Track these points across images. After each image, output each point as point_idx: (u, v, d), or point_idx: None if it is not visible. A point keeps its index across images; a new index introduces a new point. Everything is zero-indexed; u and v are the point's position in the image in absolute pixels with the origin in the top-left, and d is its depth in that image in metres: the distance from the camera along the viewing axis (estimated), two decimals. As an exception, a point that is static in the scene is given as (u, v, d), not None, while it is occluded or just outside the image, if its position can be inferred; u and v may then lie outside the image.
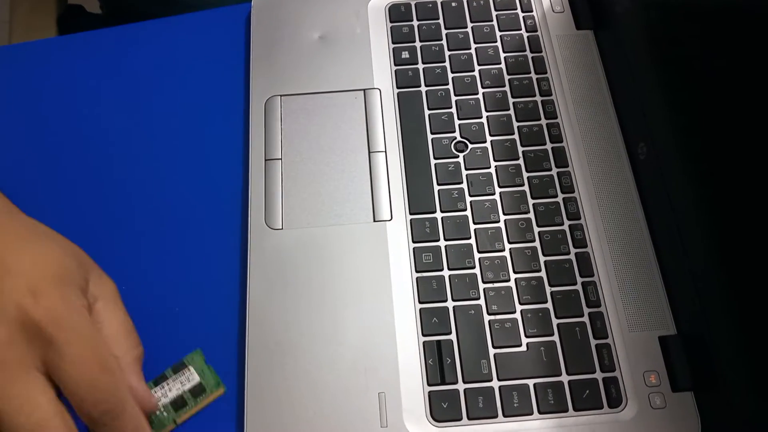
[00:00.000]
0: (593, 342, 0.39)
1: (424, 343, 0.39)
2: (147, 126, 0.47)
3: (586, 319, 0.39)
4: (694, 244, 0.38)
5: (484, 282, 0.40)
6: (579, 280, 0.40)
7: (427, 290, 0.40)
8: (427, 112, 0.46)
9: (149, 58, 0.50)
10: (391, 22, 0.50)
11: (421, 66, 0.48)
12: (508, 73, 0.48)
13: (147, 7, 0.64)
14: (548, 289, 0.40)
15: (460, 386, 0.37)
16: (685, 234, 0.39)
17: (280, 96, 0.47)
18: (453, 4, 0.50)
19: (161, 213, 0.44)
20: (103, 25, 0.70)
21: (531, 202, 0.43)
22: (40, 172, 0.46)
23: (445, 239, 0.42)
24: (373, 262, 0.41)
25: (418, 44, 0.49)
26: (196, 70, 0.49)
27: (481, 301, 0.40)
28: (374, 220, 0.43)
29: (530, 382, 0.37)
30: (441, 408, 0.37)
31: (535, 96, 0.47)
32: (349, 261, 0.41)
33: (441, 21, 0.50)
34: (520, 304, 0.40)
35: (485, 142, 0.45)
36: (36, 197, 0.45)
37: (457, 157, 0.45)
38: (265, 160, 0.45)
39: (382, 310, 0.40)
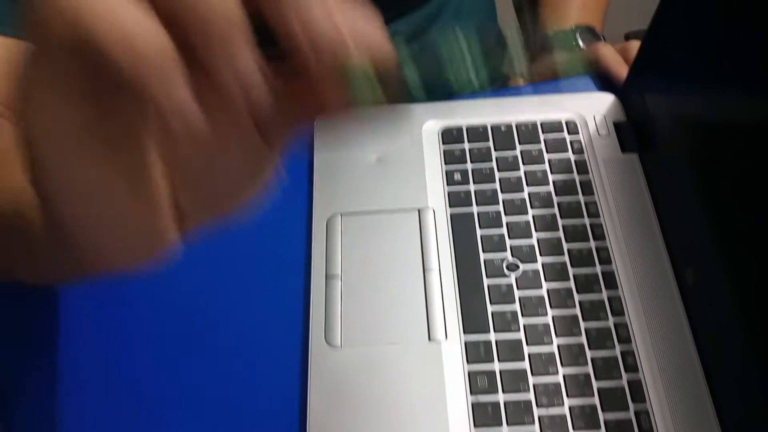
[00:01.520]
0: (648, 473, 0.39)
1: (481, 470, 0.40)
2: (210, 240, 0.50)
3: (640, 448, 0.40)
4: (745, 372, 0.39)
5: (538, 407, 0.41)
6: (631, 407, 0.41)
7: (482, 415, 0.41)
8: (479, 232, 0.49)
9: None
10: (443, 144, 0.52)
11: (472, 187, 0.51)
12: (557, 195, 0.50)
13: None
14: (601, 416, 0.41)
15: None
16: (735, 362, 0.40)
17: (341, 214, 0.49)
18: (502, 128, 0.53)
19: (224, 328, 0.47)
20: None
21: (583, 325, 0.44)
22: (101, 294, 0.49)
23: (500, 361, 0.43)
24: (429, 383, 0.43)
25: (469, 166, 0.52)
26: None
27: (536, 428, 0.41)
28: (429, 340, 0.44)
29: None
30: None
31: (583, 218, 0.49)
32: (406, 381, 0.43)
33: (491, 144, 0.52)
34: (574, 430, 0.41)
35: (536, 262, 0.47)
36: (102, 322, 0.47)
37: (509, 277, 0.47)
38: (326, 276, 0.47)
39: (438, 433, 0.41)
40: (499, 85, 0.75)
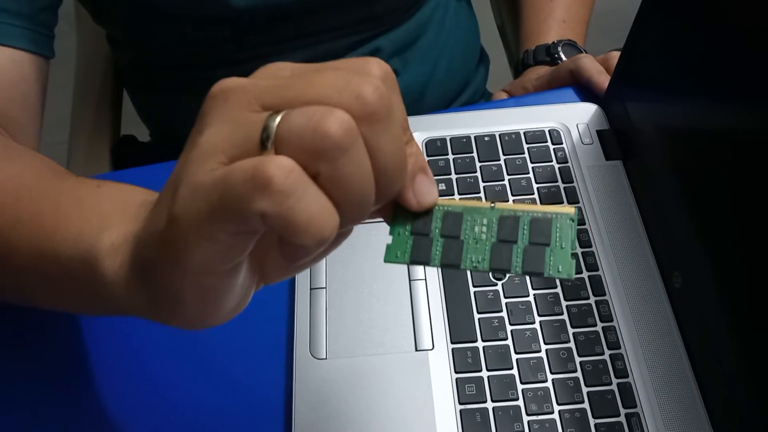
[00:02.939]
0: (641, 478, 0.38)
1: (470, 478, 0.39)
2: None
3: (632, 453, 0.39)
4: (734, 371, 0.39)
5: (528, 414, 0.40)
6: (622, 411, 0.41)
7: (471, 423, 0.40)
8: (464, 242, 0.48)
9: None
10: (428, 155, 0.52)
11: (457, 196, 0.50)
12: (542, 203, 0.50)
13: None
14: (592, 421, 0.40)
15: None
16: (725, 364, 0.39)
17: (324, 227, 0.49)
18: (486, 138, 0.53)
19: (209, 340, 0.46)
20: (152, 152, 0.74)
21: (571, 331, 0.44)
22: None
23: (488, 369, 0.42)
24: (417, 393, 0.42)
25: (454, 176, 0.51)
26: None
27: (526, 435, 0.40)
28: (416, 350, 0.44)
29: None
30: None
31: (568, 225, 0.48)
32: (393, 391, 0.42)
33: (475, 154, 0.52)
34: (565, 437, 0.40)
35: (522, 270, 0.47)
36: (92, 329, 0.47)
37: (496, 285, 0.46)
38: (311, 289, 0.46)
39: (426, 442, 0.40)
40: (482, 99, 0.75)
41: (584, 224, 0.48)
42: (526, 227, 0.27)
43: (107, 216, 0.31)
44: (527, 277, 0.46)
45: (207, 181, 0.23)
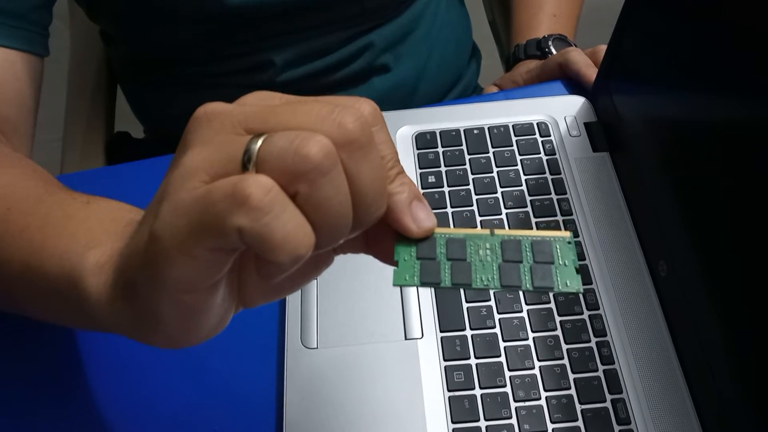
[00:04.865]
0: (626, 461, 0.39)
1: (458, 463, 0.39)
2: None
3: (617, 437, 0.40)
4: (719, 363, 0.39)
5: (515, 401, 0.41)
6: (608, 397, 0.41)
7: (459, 410, 0.41)
8: (454, 233, 0.49)
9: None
10: (417, 149, 0.53)
11: (446, 189, 0.51)
12: (530, 194, 0.50)
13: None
14: (578, 407, 0.41)
15: (496, 508, 0.38)
16: (709, 350, 0.40)
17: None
18: (475, 132, 0.54)
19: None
20: (147, 149, 0.75)
21: (558, 319, 0.44)
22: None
23: (476, 357, 0.43)
24: (406, 381, 0.42)
25: (443, 169, 0.52)
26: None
27: (513, 421, 0.40)
28: (405, 338, 0.44)
29: (565, 504, 0.38)
30: None
31: (556, 216, 0.49)
32: (383, 380, 0.43)
33: (464, 147, 0.53)
34: (552, 423, 0.40)
35: (511, 260, 0.47)
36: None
37: (484, 275, 0.47)
38: (301, 280, 0.47)
39: (415, 430, 0.41)
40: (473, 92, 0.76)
41: (571, 215, 0.49)
42: (528, 249, 0.28)
43: (94, 234, 0.32)
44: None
45: (188, 198, 0.24)
